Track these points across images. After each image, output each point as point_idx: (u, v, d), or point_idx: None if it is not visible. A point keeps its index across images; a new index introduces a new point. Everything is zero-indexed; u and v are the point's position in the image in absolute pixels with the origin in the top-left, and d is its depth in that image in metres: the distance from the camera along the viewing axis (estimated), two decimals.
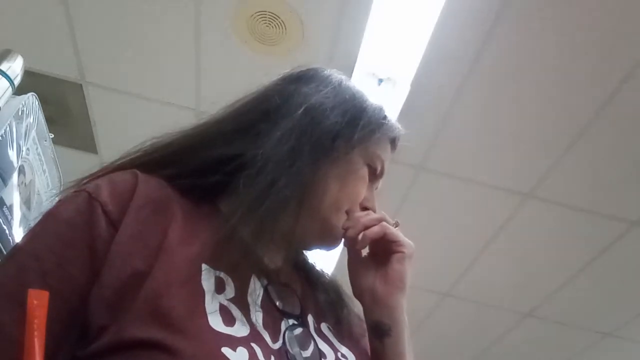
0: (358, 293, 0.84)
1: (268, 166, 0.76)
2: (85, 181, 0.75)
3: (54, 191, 1.14)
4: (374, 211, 0.87)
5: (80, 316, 0.62)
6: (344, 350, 0.78)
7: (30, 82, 2.54)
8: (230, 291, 0.68)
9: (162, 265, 0.64)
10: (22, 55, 2.48)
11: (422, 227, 2.96)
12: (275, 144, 0.77)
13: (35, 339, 0.53)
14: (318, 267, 0.92)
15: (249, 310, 0.68)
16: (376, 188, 0.91)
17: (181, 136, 0.82)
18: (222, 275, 0.68)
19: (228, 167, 0.77)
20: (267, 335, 0.67)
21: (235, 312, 0.66)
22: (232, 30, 2.29)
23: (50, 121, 2.81)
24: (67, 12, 2.33)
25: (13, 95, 0.91)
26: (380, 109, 0.89)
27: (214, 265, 0.68)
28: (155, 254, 0.65)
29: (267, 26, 2.24)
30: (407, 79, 2.30)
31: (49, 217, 0.69)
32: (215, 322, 0.62)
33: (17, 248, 0.66)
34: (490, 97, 2.32)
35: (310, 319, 0.78)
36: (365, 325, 0.84)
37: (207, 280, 0.66)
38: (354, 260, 0.86)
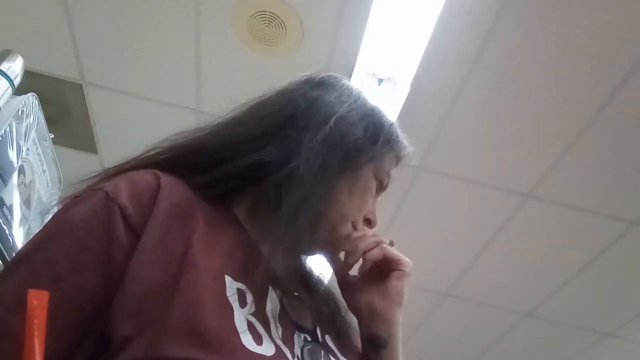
0: (354, 308, 0.86)
1: (304, 179, 0.75)
2: (100, 176, 0.73)
3: (54, 191, 1.14)
4: (375, 222, 0.89)
5: (97, 325, 0.59)
6: None
7: (30, 82, 2.55)
8: (251, 305, 0.66)
9: (190, 278, 0.61)
10: (22, 55, 2.48)
11: (421, 227, 2.96)
12: (308, 156, 0.77)
13: (35, 339, 0.51)
14: (316, 274, 0.92)
15: (269, 325, 0.67)
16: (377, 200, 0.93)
17: (204, 136, 0.81)
18: (242, 287, 0.67)
19: (255, 174, 0.76)
20: (288, 351, 0.66)
21: (259, 328, 0.64)
22: (232, 30, 2.29)
23: (50, 121, 2.81)
24: (67, 12, 2.33)
25: (13, 96, 0.91)
26: (395, 126, 0.91)
27: (235, 276, 0.67)
28: (180, 264, 0.62)
29: (267, 26, 2.25)
30: (407, 79, 2.30)
31: (63, 217, 0.65)
32: (247, 340, 0.61)
33: (29, 250, 0.63)
34: (490, 97, 2.32)
35: (318, 331, 0.77)
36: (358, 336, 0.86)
37: (231, 293, 0.64)
38: (345, 278, 0.88)
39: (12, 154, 0.90)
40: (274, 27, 2.24)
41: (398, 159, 0.92)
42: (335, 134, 0.81)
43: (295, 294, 0.79)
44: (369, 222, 0.89)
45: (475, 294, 3.39)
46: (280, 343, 0.66)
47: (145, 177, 0.69)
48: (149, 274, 0.60)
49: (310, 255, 0.90)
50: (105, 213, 0.63)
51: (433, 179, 2.71)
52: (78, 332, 0.58)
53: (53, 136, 1.05)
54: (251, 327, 0.63)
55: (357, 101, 0.87)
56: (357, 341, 0.86)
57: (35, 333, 0.52)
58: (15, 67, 0.92)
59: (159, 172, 0.70)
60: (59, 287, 0.58)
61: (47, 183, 1.08)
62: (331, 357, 0.75)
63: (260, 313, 0.66)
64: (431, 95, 2.36)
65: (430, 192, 2.79)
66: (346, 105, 0.85)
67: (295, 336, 0.71)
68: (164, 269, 0.61)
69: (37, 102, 0.99)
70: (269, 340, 0.64)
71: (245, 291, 0.66)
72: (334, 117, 0.81)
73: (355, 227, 0.86)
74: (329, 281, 0.91)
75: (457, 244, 3.06)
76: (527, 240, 2.94)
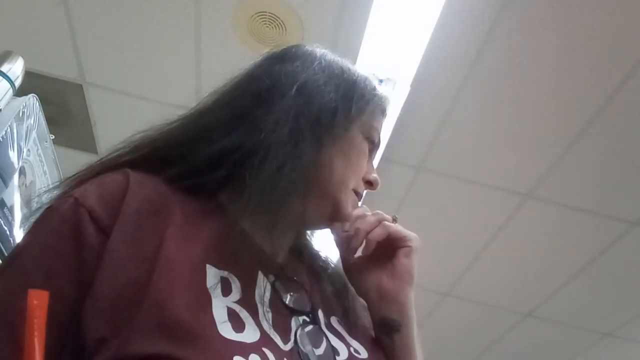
0: (362, 291, 0.83)
1: (270, 152, 0.73)
2: (71, 180, 0.72)
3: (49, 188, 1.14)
4: (376, 182, 0.86)
5: (73, 330, 0.59)
6: (355, 344, 0.74)
7: (30, 83, 2.55)
8: (236, 292, 0.64)
9: (163, 272, 0.60)
10: (22, 56, 2.48)
11: (422, 227, 2.96)
12: (273, 128, 0.75)
13: (36, 339, 0.52)
14: (322, 254, 0.90)
15: (257, 311, 0.65)
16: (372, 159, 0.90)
17: (173, 129, 0.79)
18: (227, 275, 0.65)
19: (230, 159, 0.74)
20: (278, 337, 0.64)
21: (244, 315, 0.63)
22: (232, 31, 2.29)
23: (51, 121, 2.81)
24: (67, 13, 2.33)
25: (14, 97, 0.91)
26: (369, 79, 0.88)
27: (219, 265, 0.65)
28: (153, 260, 0.61)
29: (267, 27, 2.25)
30: (407, 79, 2.30)
31: (36, 227, 0.65)
32: (225, 329, 0.59)
33: (6, 264, 0.63)
34: (490, 97, 2.32)
35: (320, 313, 0.74)
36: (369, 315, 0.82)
37: (213, 283, 0.63)
38: (349, 260, 0.84)
39: (13, 155, 0.90)
40: (274, 27, 2.25)
41: (380, 111, 0.89)
42: (300, 101, 0.78)
43: (292, 277, 0.76)
44: (370, 184, 0.86)
45: (476, 294, 3.39)
46: (267, 328, 0.64)
47: (114, 177, 0.68)
48: (120, 272, 0.60)
49: (315, 229, 0.88)
50: (75, 218, 0.63)
51: (433, 179, 2.72)
52: (58, 340, 0.58)
53: (54, 137, 1.05)
54: (232, 315, 0.61)
55: (322, 63, 0.85)
56: (369, 322, 0.82)
57: (36, 333, 0.52)
58: (15, 68, 0.92)
59: (129, 171, 0.70)
60: None
61: (48, 184, 1.08)
62: (337, 339, 0.72)
63: (247, 299, 0.65)
64: (431, 95, 2.36)
65: (431, 192, 2.79)
66: (310, 70, 0.82)
67: (293, 320, 0.69)
68: (135, 267, 0.60)
69: (37, 103, 1.00)
70: (254, 326, 0.62)
71: (230, 279, 0.65)
72: (296, 85, 0.79)
73: (357, 193, 0.84)
74: (337, 263, 0.88)
75: (457, 244, 3.07)
76: (526, 240, 2.94)
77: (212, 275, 0.64)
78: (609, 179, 2.54)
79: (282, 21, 2.22)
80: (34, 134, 0.98)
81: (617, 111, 2.26)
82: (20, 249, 0.64)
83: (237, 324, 0.60)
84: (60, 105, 2.74)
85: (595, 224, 2.74)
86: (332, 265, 0.88)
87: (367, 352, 0.74)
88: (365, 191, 0.88)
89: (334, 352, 0.69)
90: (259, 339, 0.61)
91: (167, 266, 0.61)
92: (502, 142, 2.49)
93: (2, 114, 0.86)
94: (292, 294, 0.72)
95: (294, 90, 0.79)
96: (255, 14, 2.21)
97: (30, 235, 0.65)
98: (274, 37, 2.28)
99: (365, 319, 0.82)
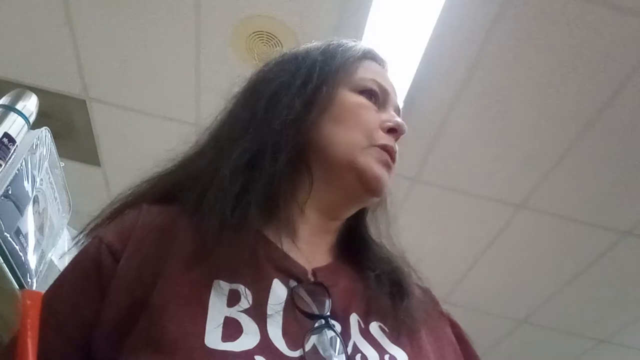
0: None
1: (260, 163, 0.74)
2: (95, 222, 0.78)
3: (64, 214, 1.20)
4: (399, 126, 0.80)
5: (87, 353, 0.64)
6: (393, 350, 0.69)
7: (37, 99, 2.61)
8: (245, 302, 0.64)
9: (160, 293, 0.62)
10: (28, 72, 2.55)
11: (417, 237, 3.02)
12: (254, 134, 0.76)
13: (29, 339, 0.56)
14: (383, 252, 0.84)
15: (265, 319, 0.63)
16: (395, 108, 0.85)
17: (172, 172, 0.81)
18: (238, 287, 0.65)
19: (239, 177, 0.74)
20: (284, 343, 0.62)
21: (246, 323, 0.62)
22: (231, 49, 2.36)
23: (56, 135, 2.87)
24: (72, 32, 2.40)
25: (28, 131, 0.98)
26: (341, 42, 0.87)
27: (230, 278, 0.65)
28: (152, 283, 0.63)
29: (265, 45, 2.31)
30: (401, 95, 2.36)
31: (68, 268, 0.72)
32: (212, 339, 0.58)
33: (43, 303, 0.67)
34: (483, 110, 2.39)
35: (354, 318, 0.70)
36: (430, 309, 0.80)
37: (218, 296, 0.63)
38: None
39: (27, 186, 0.96)
40: (271, 45, 2.31)
41: (360, 60, 0.85)
42: (268, 104, 0.79)
43: (319, 281, 0.71)
44: (393, 131, 0.80)
45: (471, 302, 3.45)
46: (274, 335, 0.62)
47: (131, 213, 0.74)
48: (125, 296, 0.63)
49: (358, 207, 0.83)
50: (96, 253, 0.69)
51: (427, 191, 2.78)
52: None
53: (63, 164, 1.12)
54: (230, 324, 0.61)
55: (284, 58, 0.86)
56: (426, 316, 0.78)
57: (29, 333, 0.57)
58: (30, 105, 0.98)
59: (144, 205, 0.75)
60: (62, 333, 0.65)
61: (59, 208, 1.15)
62: (369, 346, 0.68)
63: (255, 309, 0.64)
64: (425, 109, 2.42)
65: (426, 203, 2.85)
66: (272, 71, 0.84)
67: (309, 325, 0.65)
68: (137, 291, 0.63)
69: (49, 135, 1.06)
70: (256, 333, 0.61)
71: (239, 290, 0.65)
72: (273, 84, 0.81)
73: (383, 146, 0.78)
74: (398, 260, 0.82)
75: (453, 254, 3.13)
76: (520, 249, 3.00)
77: (220, 288, 0.64)
78: (599, 190, 2.60)
79: (278, 40, 2.29)
80: (45, 164, 1.04)
81: (605, 125, 2.33)
82: (56, 286, 0.71)
83: (232, 333, 0.60)
84: (65, 119, 2.80)
85: (587, 233, 2.80)
86: (393, 263, 0.82)
87: (407, 356, 0.69)
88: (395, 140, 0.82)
89: (364, 358, 0.65)
90: (255, 346, 0.60)
91: (165, 286, 0.63)
92: (496, 154, 2.55)
93: (18, 149, 0.93)
94: (313, 299, 0.68)
95: (269, 90, 0.80)
96: (253, 33, 2.27)
97: (63, 275, 0.72)
98: (271, 54, 2.33)
99: (424, 316, 0.78)
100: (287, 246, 0.73)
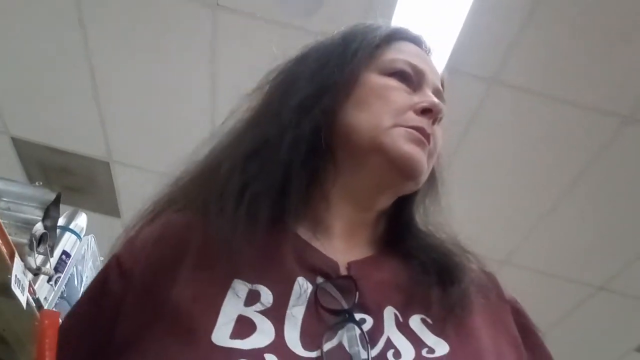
0: None
1: (278, 149, 0.71)
2: (138, 220, 0.79)
3: None
4: (435, 106, 0.72)
5: None
6: (433, 343, 0.63)
7: (64, 160, 2.90)
8: (265, 303, 0.61)
9: (175, 297, 0.62)
10: (57, 137, 2.83)
11: None
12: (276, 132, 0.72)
13: (47, 359, 0.57)
14: (428, 237, 0.78)
15: (283, 320, 0.60)
16: (434, 89, 0.76)
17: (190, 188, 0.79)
18: (259, 288, 0.63)
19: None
20: (300, 343, 0.58)
21: (262, 323, 0.59)
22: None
23: (80, 190, 3.17)
24: (98, 105, 2.68)
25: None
26: (367, 24, 0.82)
27: (252, 279, 0.63)
28: (167, 290, 0.62)
29: None
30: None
31: (83, 292, 0.76)
32: (220, 335, 0.57)
33: (59, 330, 0.71)
34: (473, 182, 2.62)
35: (389, 312, 0.65)
36: (491, 295, 0.74)
37: (234, 295, 0.61)
38: None
39: (77, 286, 1.22)
40: None
41: (387, 41, 0.79)
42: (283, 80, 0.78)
43: (350, 275, 0.67)
44: (428, 111, 0.72)
45: None
46: (289, 334, 0.59)
47: (152, 225, 0.74)
48: (138, 313, 0.63)
49: (396, 194, 0.76)
50: (107, 265, 0.71)
51: None
52: None
53: (102, 258, 1.36)
54: (242, 322, 0.59)
55: (304, 51, 0.82)
56: (477, 299, 0.70)
57: (47, 353, 0.57)
58: (80, 222, 1.23)
59: (164, 214, 0.76)
60: (69, 342, 0.68)
61: None
62: (406, 340, 0.62)
63: (274, 309, 0.61)
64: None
65: None
66: (291, 64, 0.81)
67: (333, 322, 0.62)
68: (152, 300, 0.63)
69: (94, 240, 1.31)
70: (271, 333, 0.58)
71: (260, 291, 0.62)
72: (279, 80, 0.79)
73: (415, 128, 0.71)
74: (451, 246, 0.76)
75: None
76: None
77: (238, 288, 0.62)
78: (577, 247, 2.85)
79: None
80: (90, 263, 1.30)
81: (582, 193, 2.58)
82: (70, 313, 0.73)
83: (243, 331, 0.58)
84: (89, 178, 3.09)
85: (565, 287, 3.05)
86: (441, 249, 0.76)
87: (450, 347, 0.63)
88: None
89: (396, 354, 0.60)
90: (267, 346, 0.57)
91: (179, 292, 0.62)
92: (482, 216, 2.79)
93: (71, 260, 1.18)
94: (342, 295, 0.64)
95: (276, 91, 0.78)
96: None
97: (79, 299, 0.76)
98: None
99: (485, 303, 0.72)
100: (321, 243, 0.70)
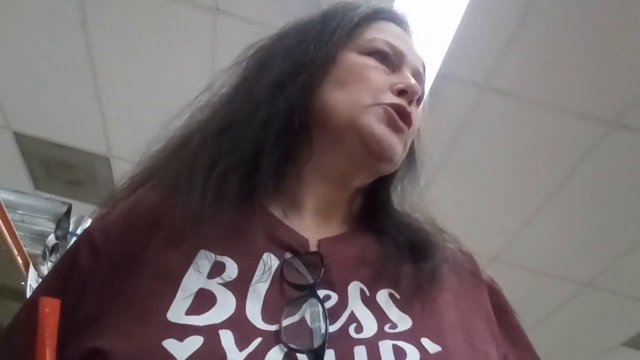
0: None
1: (258, 132, 0.70)
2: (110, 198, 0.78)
3: None
4: (411, 87, 0.72)
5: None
6: (396, 317, 0.63)
7: (65, 154, 2.96)
8: (228, 275, 0.61)
9: (140, 275, 0.61)
10: (59, 133, 2.89)
11: None
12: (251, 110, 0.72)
13: (47, 348, 0.55)
14: (403, 216, 0.78)
15: (246, 293, 0.60)
16: (413, 71, 0.76)
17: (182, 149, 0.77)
18: (225, 259, 0.63)
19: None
20: (260, 316, 0.58)
21: (223, 296, 0.59)
22: None
23: (79, 184, 3.23)
24: (100, 104, 2.74)
25: None
26: (347, 2, 0.80)
27: (219, 250, 0.63)
28: (134, 267, 0.62)
29: None
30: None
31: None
32: (176, 311, 0.56)
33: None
34: (462, 184, 2.72)
35: (355, 287, 0.65)
36: (465, 274, 0.74)
37: (199, 267, 0.61)
38: None
39: None
40: None
41: (368, 20, 0.78)
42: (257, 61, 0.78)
43: (318, 251, 0.67)
44: (403, 92, 0.72)
45: None
46: (250, 308, 0.59)
47: (122, 202, 0.73)
48: (104, 289, 0.62)
49: (369, 176, 0.76)
50: (77, 241, 0.71)
51: None
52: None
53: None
54: (202, 296, 0.58)
55: (284, 29, 0.81)
56: (446, 278, 0.70)
57: (47, 342, 0.55)
58: (86, 226, 1.30)
59: (139, 192, 0.75)
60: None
61: None
62: (370, 315, 0.62)
63: (237, 282, 0.61)
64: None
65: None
66: (271, 41, 0.80)
67: (301, 299, 0.61)
68: (117, 279, 0.62)
69: None
70: (231, 307, 0.58)
71: (225, 262, 0.62)
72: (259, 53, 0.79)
73: (392, 105, 0.71)
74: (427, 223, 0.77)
75: None
76: None
77: (203, 259, 0.62)
78: (565, 246, 2.94)
79: None
80: None
81: (569, 194, 2.66)
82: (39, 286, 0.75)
83: (201, 305, 0.57)
84: (89, 172, 3.16)
85: (550, 284, 3.14)
86: (414, 227, 0.76)
87: (412, 322, 0.62)
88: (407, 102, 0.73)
89: (359, 328, 0.60)
90: (224, 320, 0.56)
91: (146, 268, 0.62)
92: (475, 214, 2.86)
93: None
94: (309, 270, 0.64)
95: (252, 70, 0.78)
96: None
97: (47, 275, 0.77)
98: None
99: (458, 282, 0.72)
100: (292, 220, 0.71)
